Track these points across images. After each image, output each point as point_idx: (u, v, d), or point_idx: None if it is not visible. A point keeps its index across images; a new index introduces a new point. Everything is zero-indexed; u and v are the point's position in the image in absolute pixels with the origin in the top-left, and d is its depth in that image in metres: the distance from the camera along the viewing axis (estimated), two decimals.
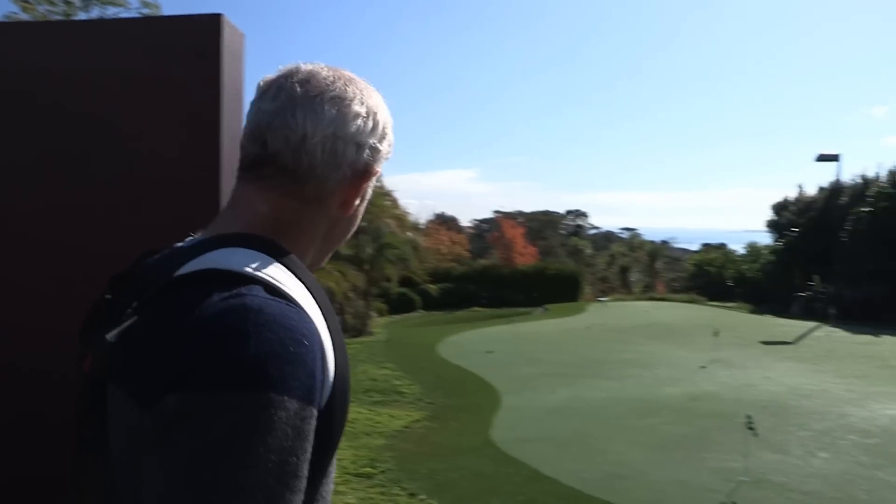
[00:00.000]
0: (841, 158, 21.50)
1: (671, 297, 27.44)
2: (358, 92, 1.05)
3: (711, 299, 25.91)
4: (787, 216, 26.47)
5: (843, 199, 22.85)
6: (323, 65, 1.08)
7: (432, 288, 24.41)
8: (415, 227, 27.20)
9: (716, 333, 13.15)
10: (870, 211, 21.71)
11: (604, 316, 19.82)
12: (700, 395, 9.77)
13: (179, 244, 1.03)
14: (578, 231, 68.51)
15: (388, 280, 19.85)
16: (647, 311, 21.54)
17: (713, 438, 7.57)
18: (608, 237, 72.60)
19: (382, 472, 6.73)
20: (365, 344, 16.22)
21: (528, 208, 69.56)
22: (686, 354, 13.31)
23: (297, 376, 0.83)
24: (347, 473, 6.68)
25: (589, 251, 43.58)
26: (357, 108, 1.04)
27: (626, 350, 14.07)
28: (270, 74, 1.06)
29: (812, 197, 26.17)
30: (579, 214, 78.12)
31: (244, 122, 1.24)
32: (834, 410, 8.79)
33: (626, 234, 61.28)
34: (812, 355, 13.19)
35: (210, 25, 1.66)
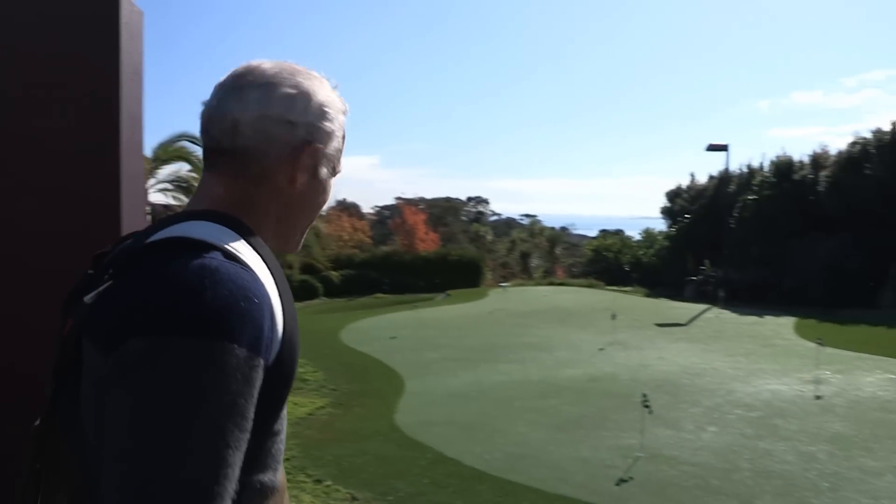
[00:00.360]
0: (729, 148, 22.45)
1: (570, 281, 28.09)
2: (290, 77, 1.16)
3: (609, 284, 26.69)
4: (680, 203, 27.46)
5: (731, 188, 23.87)
6: (271, 61, 1.19)
7: (334, 275, 24.25)
8: None
9: (613, 317, 13.56)
10: (754, 199, 22.78)
11: (505, 301, 20.14)
12: (598, 376, 10.07)
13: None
14: (480, 217, 69.18)
15: (290, 267, 19.57)
16: (547, 295, 22.00)
17: (611, 417, 7.83)
18: (509, 223, 73.65)
19: (287, 459, 6.62)
20: None
21: (430, 195, 69.74)
22: (585, 337, 13.69)
23: (246, 329, 0.93)
24: None
25: (490, 237, 44.08)
26: (284, 90, 1.14)
27: (526, 334, 14.34)
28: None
29: (703, 185, 27.23)
30: (480, 201, 78.90)
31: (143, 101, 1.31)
32: (722, 387, 9.23)
33: (526, 221, 62.34)
34: (703, 336, 13.78)
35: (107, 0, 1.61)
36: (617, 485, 5.81)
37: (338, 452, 6.81)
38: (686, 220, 26.06)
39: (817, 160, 22.07)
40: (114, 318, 0.95)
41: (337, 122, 1.21)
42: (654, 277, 26.58)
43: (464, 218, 69.16)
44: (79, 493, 1.06)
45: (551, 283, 27.44)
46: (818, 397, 8.60)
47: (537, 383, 9.70)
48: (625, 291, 24.31)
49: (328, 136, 1.20)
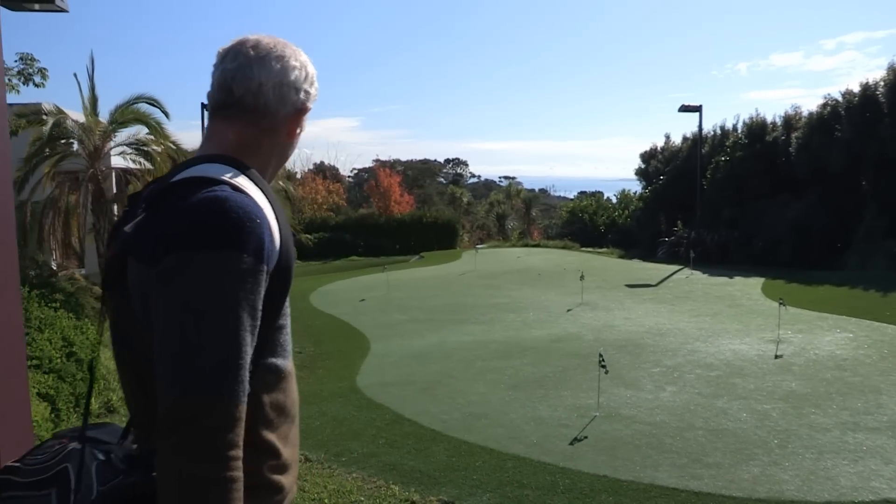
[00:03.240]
0: (702, 109, 22.34)
1: (546, 243, 28.12)
2: (292, 52, 1.52)
3: (584, 245, 26.74)
4: (655, 165, 27.44)
5: (705, 149, 23.87)
6: (267, 36, 1.52)
7: (306, 237, 24.08)
8: (287, 175, 26.68)
9: (581, 277, 13.58)
10: (726, 160, 22.79)
11: (478, 263, 20.13)
12: (563, 336, 10.11)
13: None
14: (458, 180, 69.02)
15: None
16: (521, 257, 22.03)
17: (571, 377, 7.86)
18: (488, 185, 73.64)
19: None
20: None
21: (410, 157, 69.47)
22: (554, 298, 13.72)
23: (252, 242, 1.27)
24: None
25: (466, 199, 43.96)
26: (294, 62, 1.51)
27: (496, 295, 14.36)
28: (225, 45, 1.50)
29: (677, 146, 27.20)
30: (459, 163, 78.72)
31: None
32: (684, 347, 9.28)
33: (505, 183, 62.22)
34: (671, 297, 13.84)
35: None
36: (570, 444, 5.83)
37: None
38: (660, 182, 26.07)
39: (789, 121, 22.04)
40: (154, 241, 1.28)
41: (316, 86, 1.58)
42: (629, 239, 26.65)
43: (442, 180, 68.99)
44: (134, 371, 1.41)
45: (526, 245, 27.47)
46: (778, 356, 8.67)
47: (501, 344, 9.71)
48: (599, 253, 24.37)
49: (313, 98, 1.57)
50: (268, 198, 1.40)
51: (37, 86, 10.40)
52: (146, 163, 12.22)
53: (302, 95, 1.53)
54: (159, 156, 11.86)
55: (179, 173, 1.41)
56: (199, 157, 1.45)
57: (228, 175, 1.37)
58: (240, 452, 1.22)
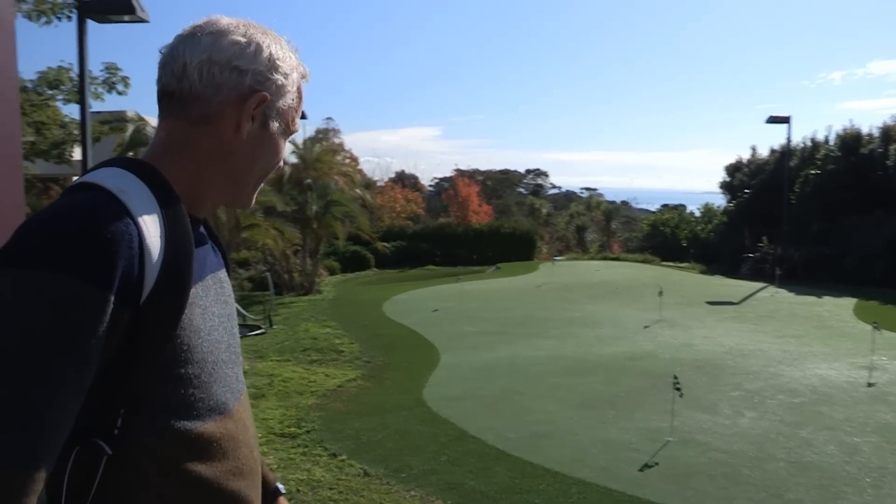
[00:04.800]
0: (791, 121, 21.47)
1: (625, 256, 27.56)
2: (243, 28, 1.20)
3: (665, 259, 26.08)
4: (740, 178, 26.59)
5: (794, 162, 22.98)
6: (233, 18, 1.22)
7: (382, 246, 24.16)
8: (366, 184, 26.85)
9: (660, 293, 13.15)
10: (817, 173, 21.87)
11: (555, 275, 19.79)
12: (638, 354, 9.76)
13: None
14: (538, 190, 68.61)
15: (336, 237, 19.56)
16: (598, 270, 21.60)
17: (645, 398, 7.55)
18: (569, 197, 72.91)
19: (308, 431, 6.58)
20: (311, 302, 16.01)
21: (492, 166, 69.47)
22: (631, 313, 13.33)
23: (91, 263, 0.97)
24: (272, 433, 6.54)
25: (545, 210, 43.52)
26: (234, 37, 1.18)
27: (571, 309, 14.05)
28: None
29: (764, 159, 26.30)
30: (539, 174, 78.25)
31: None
32: (767, 370, 8.83)
33: (586, 194, 61.57)
34: (754, 315, 13.28)
35: None
36: (640, 470, 5.55)
37: (359, 426, 6.70)
38: (745, 195, 25.22)
39: (888, 133, 20.98)
40: None
41: (290, 79, 1.25)
42: (711, 254, 25.85)
43: (522, 191, 68.68)
44: None
45: (605, 258, 26.96)
46: (870, 385, 8.16)
47: (573, 360, 9.43)
48: (680, 268, 23.72)
49: (279, 88, 1.23)
50: (164, 214, 1.10)
51: (119, 94, 10.71)
52: None
53: (248, 78, 1.18)
54: None
55: (77, 179, 1.15)
56: (109, 161, 1.19)
57: (112, 181, 1.08)
58: None
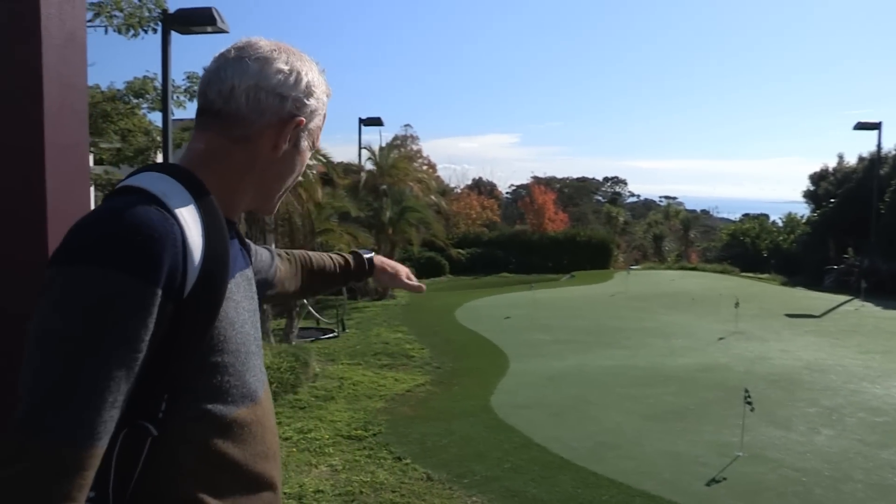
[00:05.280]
0: (882, 127, 20.70)
1: (703, 266, 26.99)
2: (284, 55, 1.31)
3: (744, 270, 25.44)
4: (826, 186, 25.77)
5: (884, 170, 22.14)
6: (269, 40, 1.33)
7: (456, 252, 24.28)
8: (442, 191, 27.03)
9: (736, 304, 12.83)
10: None
11: (629, 284, 19.51)
12: (711, 366, 9.56)
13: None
14: (616, 198, 67.87)
15: (410, 244, 19.76)
16: (674, 280, 21.21)
17: (716, 411, 7.39)
18: (648, 205, 71.84)
19: (374, 434, 6.68)
20: (384, 307, 16.21)
21: (568, 174, 69.05)
22: (705, 325, 13.06)
23: (140, 260, 1.07)
24: (339, 435, 6.66)
25: (622, 219, 42.98)
26: (279, 65, 1.29)
27: (645, 319, 13.85)
28: None
29: (851, 167, 25.41)
30: (618, 181, 77.36)
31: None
32: (847, 387, 8.53)
33: (665, 203, 60.57)
34: (836, 329, 12.84)
35: None
36: (707, 485, 5.44)
37: (424, 431, 6.76)
38: (830, 205, 24.40)
39: None
40: None
41: (321, 101, 1.36)
42: (793, 265, 25.10)
43: (599, 198, 68.01)
44: None
45: (682, 268, 26.46)
46: None
47: (643, 370, 9.31)
48: (760, 279, 23.10)
49: (312, 112, 1.34)
50: (203, 216, 1.20)
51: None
52: None
53: (289, 105, 1.30)
54: (310, 170, 12.28)
55: (122, 181, 1.25)
56: (147, 167, 1.28)
57: (155, 185, 1.19)
58: None
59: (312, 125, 1.36)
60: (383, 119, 20.85)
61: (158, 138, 11.81)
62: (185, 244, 1.13)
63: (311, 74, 1.34)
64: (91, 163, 13.51)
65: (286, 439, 6.50)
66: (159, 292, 1.09)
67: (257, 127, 1.28)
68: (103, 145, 12.49)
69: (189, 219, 1.17)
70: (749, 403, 6.07)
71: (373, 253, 2.07)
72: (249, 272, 1.41)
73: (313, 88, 1.34)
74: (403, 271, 2.10)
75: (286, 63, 1.30)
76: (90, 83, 12.00)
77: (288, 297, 1.98)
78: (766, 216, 38.84)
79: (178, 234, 1.13)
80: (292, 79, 1.30)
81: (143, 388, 1.12)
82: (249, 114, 1.28)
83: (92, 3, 9.47)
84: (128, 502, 1.15)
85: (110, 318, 1.05)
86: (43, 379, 1.03)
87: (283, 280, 1.84)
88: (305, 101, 1.32)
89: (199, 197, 1.22)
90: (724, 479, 5.57)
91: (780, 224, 32.50)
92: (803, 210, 29.16)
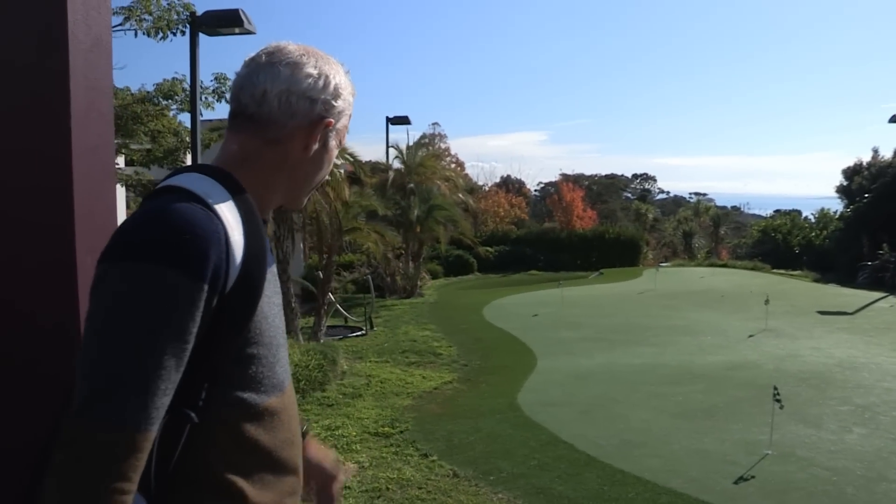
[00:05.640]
0: None
1: (733, 263, 26.72)
2: (313, 60, 1.37)
3: (776, 267, 25.14)
4: (860, 181, 25.36)
5: None
6: (297, 44, 1.39)
7: (484, 250, 24.26)
8: (470, 189, 27.01)
9: (766, 301, 12.69)
10: None
11: (658, 282, 19.38)
12: (740, 364, 9.48)
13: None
14: (645, 196, 67.41)
15: (438, 241, 19.78)
16: (704, 277, 21.05)
17: (745, 409, 7.33)
18: (678, 202, 71.21)
19: (401, 431, 6.72)
20: (412, 305, 16.26)
21: (597, 171, 68.73)
22: (736, 322, 12.95)
23: (187, 256, 1.14)
24: (366, 432, 6.70)
25: (652, 215, 42.67)
26: (308, 70, 1.35)
27: (674, 316, 13.77)
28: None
29: (887, 161, 24.98)
30: (647, 178, 76.85)
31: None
32: (881, 385, 8.41)
33: (695, 199, 60.00)
34: (869, 327, 12.66)
35: None
36: (735, 483, 5.41)
37: (451, 428, 6.79)
38: (864, 200, 24.02)
39: None
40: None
41: (347, 102, 1.43)
42: (826, 262, 24.74)
43: (629, 195, 67.59)
44: None
45: (712, 265, 26.23)
46: None
47: (672, 368, 9.25)
48: (791, 276, 22.81)
49: (340, 113, 1.41)
50: (242, 214, 1.27)
51: (228, 102, 11.16)
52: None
53: (319, 107, 1.37)
54: (337, 169, 12.33)
55: (162, 181, 1.33)
56: (186, 167, 1.37)
57: (197, 185, 1.26)
58: (127, 486, 1.10)
59: (340, 125, 1.43)
60: (411, 118, 20.95)
61: (187, 139, 11.96)
62: (229, 243, 1.21)
63: (339, 77, 1.41)
64: (122, 164, 13.72)
65: (314, 436, 6.55)
66: (206, 287, 1.16)
67: (289, 129, 1.35)
68: (134, 146, 12.67)
69: (231, 218, 1.24)
70: (778, 401, 6.01)
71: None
72: (275, 268, 1.47)
73: (341, 90, 1.40)
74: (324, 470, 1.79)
75: (315, 67, 1.37)
76: (121, 86, 12.22)
77: None
78: (799, 212, 38.27)
79: (222, 232, 1.20)
80: (321, 83, 1.37)
81: (185, 378, 1.19)
82: (281, 117, 1.34)
83: (122, 8, 9.64)
84: (167, 484, 1.22)
85: (163, 312, 1.13)
86: (100, 368, 1.10)
87: None
88: (334, 103, 1.39)
89: (238, 197, 1.29)
90: (753, 477, 5.53)
91: (813, 220, 32.01)
92: (836, 206, 28.71)
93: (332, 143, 1.43)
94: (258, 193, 1.36)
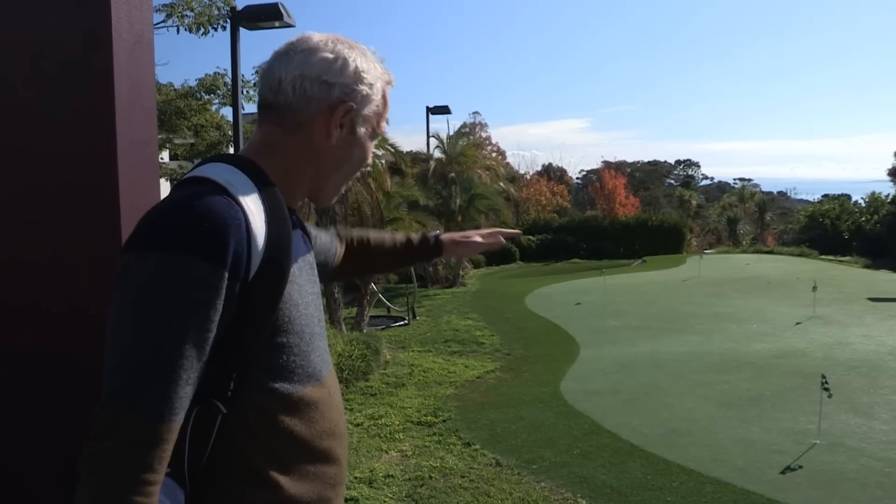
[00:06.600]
0: None
1: (780, 250, 26.25)
2: (331, 45, 1.34)
3: (823, 253, 24.64)
4: None
5: None
6: (324, 34, 1.37)
7: (527, 239, 24.19)
8: (511, 177, 26.92)
9: (814, 288, 12.45)
10: None
11: (702, 269, 19.13)
12: (788, 352, 9.32)
13: None
14: (689, 182, 66.50)
15: (477, 228, 19.74)
16: (749, 264, 20.72)
17: (792, 398, 7.22)
18: (722, 188, 70.16)
19: (444, 421, 6.75)
20: (454, 294, 16.30)
21: (639, 158, 68.03)
22: (782, 310, 12.73)
23: (209, 245, 1.13)
24: (409, 421, 6.75)
25: (696, 202, 42.07)
26: (323, 54, 1.33)
27: (719, 304, 13.58)
28: None
29: None
30: (690, 164, 75.83)
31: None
32: None
33: (739, 185, 59.09)
34: None
35: None
36: (782, 473, 5.33)
37: (494, 417, 6.80)
38: None
39: None
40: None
41: (375, 88, 1.38)
42: (878, 247, 24.17)
43: (672, 181, 66.77)
44: None
45: (758, 252, 25.80)
46: None
47: (717, 356, 9.14)
48: (840, 262, 22.34)
49: (364, 98, 1.36)
50: (265, 203, 1.26)
51: None
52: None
53: (336, 90, 1.33)
54: (378, 159, 12.39)
55: (189, 171, 1.32)
56: (212, 157, 1.35)
57: (220, 174, 1.25)
58: (153, 476, 1.10)
59: (367, 111, 1.38)
60: (451, 107, 20.90)
61: (229, 132, 12.12)
62: (249, 230, 1.19)
63: (361, 61, 1.36)
64: (167, 158, 13.94)
65: (357, 425, 6.62)
66: (226, 275, 1.15)
67: (306, 115, 1.33)
68: (177, 141, 12.86)
69: (252, 206, 1.22)
70: (826, 390, 5.91)
71: (439, 232, 2.12)
72: (311, 257, 1.46)
73: (363, 75, 1.36)
74: (475, 234, 2.11)
75: (331, 52, 1.34)
76: (164, 82, 12.43)
77: (348, 275, 2.04)
78: (848, 196, 37.42)
79: (243, 220, 1.18)
80: (338, 65, 1.33)
81: (213, 367, 1.19)
82: (297, 102, 1.32)
83: (164, 5, 9.78)
84: (202, 475, 1.23)
85: (184, 300, 1.12)
86: (124, 359, 1.11)
87: (342, 258, 1.91)
88: (354, 86, 1.35)
89: (262, 185, 1.28)
90: (800, 467, 5.44)
91: (863, 204, 31.28)
92: (888, 189, 28.06)
93: (361, 130, 1.39)
94: (283, 183, 1.35)
